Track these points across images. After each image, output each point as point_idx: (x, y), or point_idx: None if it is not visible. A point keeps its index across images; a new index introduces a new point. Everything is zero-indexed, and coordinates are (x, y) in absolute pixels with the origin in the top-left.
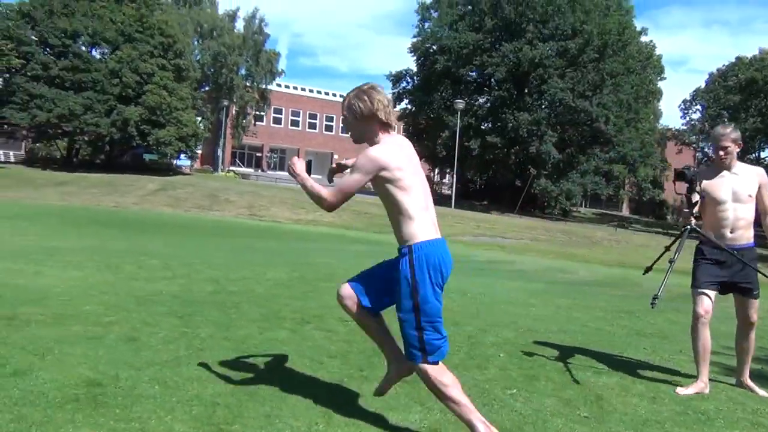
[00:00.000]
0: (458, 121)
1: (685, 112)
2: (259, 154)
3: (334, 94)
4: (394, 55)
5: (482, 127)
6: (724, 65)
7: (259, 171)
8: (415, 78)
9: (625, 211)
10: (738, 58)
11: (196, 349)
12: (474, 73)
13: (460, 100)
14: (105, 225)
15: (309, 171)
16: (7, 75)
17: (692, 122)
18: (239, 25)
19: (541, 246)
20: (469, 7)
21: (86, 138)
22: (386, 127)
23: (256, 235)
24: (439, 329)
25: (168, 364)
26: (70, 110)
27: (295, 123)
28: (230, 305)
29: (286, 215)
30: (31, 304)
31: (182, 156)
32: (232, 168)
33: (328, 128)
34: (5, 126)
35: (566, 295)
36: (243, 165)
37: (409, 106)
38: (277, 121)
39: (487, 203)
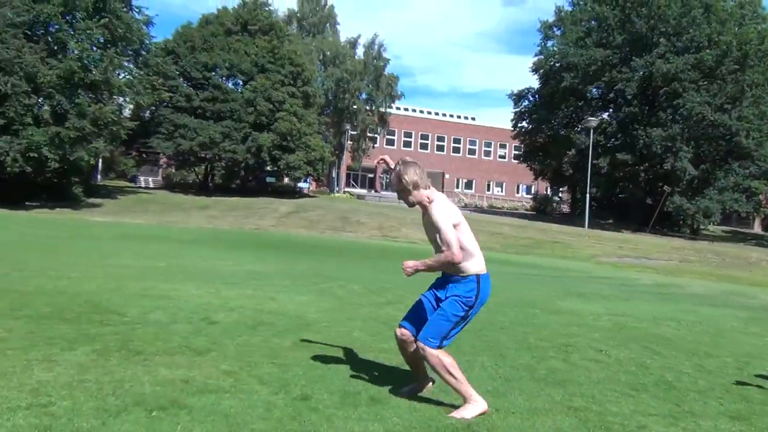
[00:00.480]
0: (590, 138)
1: None
2: (371, 175)
3: (445, 114)
4: (491, 72)
5: (609, 145)
6: None
7: (372, 192)
8: (536, 96)
9: (757, 228)
10: None
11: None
12: (598, 90)
13: (593, 118)
14: (270, 247)
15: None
16: (154, 107)
17: None
18: (359, 51)
19: (694, 267)
20: (595, 23)
21: (223, 164)
22: (427, 188)
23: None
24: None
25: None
26: (211, 138)
27: (407, 144)
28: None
29: (418, 236)
30: (306, 330)
31: (304, 179)
32: (347, 189)
33: (440, 148)
34: (148, 154)
35: None
36: (357, 186)
37: (526, 125)
38: (390, 142)
39: (613, 221)
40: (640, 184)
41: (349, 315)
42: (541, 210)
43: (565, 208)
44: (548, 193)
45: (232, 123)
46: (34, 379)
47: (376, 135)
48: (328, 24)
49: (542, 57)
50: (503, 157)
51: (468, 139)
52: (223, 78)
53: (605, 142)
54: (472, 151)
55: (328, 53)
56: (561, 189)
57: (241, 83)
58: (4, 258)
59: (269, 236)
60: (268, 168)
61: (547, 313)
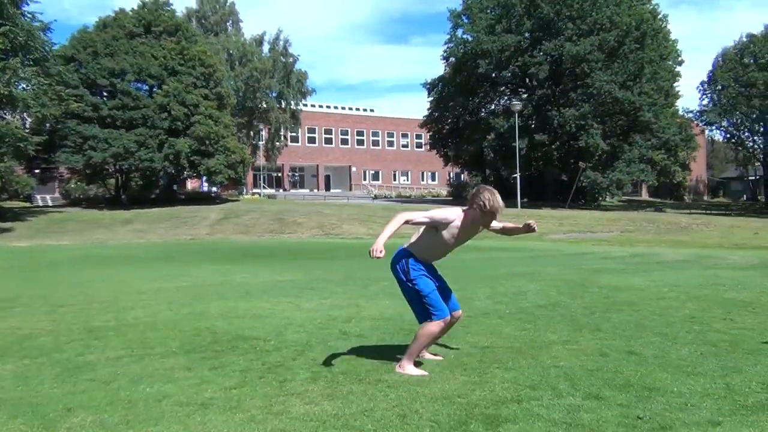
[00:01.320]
0: (516, 120)
1: (705, 92)
2: (277, 174)
3: (344, 108)
4: (370, 63)
5: (526, 127)
6: (735, 42)
7: (281, 191)
8: (449, 84)
9: (644, 196)
10: (751, 35)
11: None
12: (510, 74)
13: (517, 102)
14: (244, 256)
15: (328, 185)
16: (56, 120)
17: (713, 102)
18: (265, 48)
19: (639, 236)
20: (503, 10)
21: (139, 174)
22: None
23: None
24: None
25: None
26: (125, 148)
27: (311, 140)
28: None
29: (362, 231)
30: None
31: (204, 182)
32: (255, 190)
33: (344, 141)
34: (45, 170)
35: None
36: (265, 186)
37: (444, 112)
38: (294, 139)
39: (528, 200)
40: (554, 162)
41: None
42: (459, 195)
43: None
44: (463, 178)
45: (147, 130)
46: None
47: (290, 133)
48: (230, 21)
49: (452, 45)
50: (406, 146)
51: (371, 130)
52: (132, 83)
53: (522, 124)
54: (375, 143)
55: (235, 52)
56: (475, 173)
57: (151, 88)
58: (21, 294)
59: (219, 244)
60: (189, 174)
61: (615, 291)
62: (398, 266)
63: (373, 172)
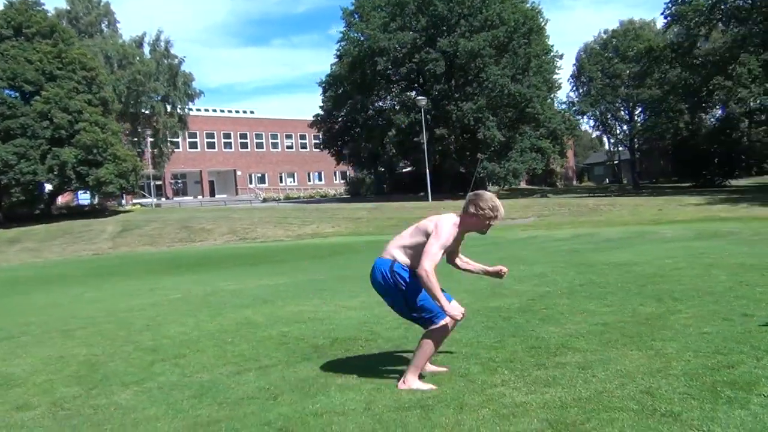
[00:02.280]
0: (423, 116)
1: (575, 85)
2: (158, 182)
3: (223, 110)
4: (230, 65)
5: (428, 121)
6: (594, 37)
7: (163, 199)
8: (345, 83)
9: (523, 184)
10: (610, 31)
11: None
12: (407, 71)
13: (422, 97)
14: (183, 267)
15: (213, 191)
16: None
17: (584, 93)
18: (146, 50)
19: (559, 219)
20: (394, 8)
21: (20, 188)
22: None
23: (317, 254)
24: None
25: None
26: (4, 161)
27: (193, 145)
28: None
29: (279, 233)
30: (510, 321)
31: (80, 194)
32: (136, 200)
33: (227, 145)
34: None
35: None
36: (145, 196)
37: (333, 112)
38: (174, 144)
39: (423, 194)
40: (452, 155)
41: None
42: (357, 192)
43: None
44: (359, 175)
45: (27, 140)
46: None
47: (178, 139)
48: (105, 22)
49: (346, 44)
50: (291, 147)
51: (254, 132)
52: (5, 90)
53: (422, 118)
54: (259, 145)
55: (114, 54)
56: (371, 170)
57: (27, 95)
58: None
59: (136, 257)
60: (76, 186)
61: (625, 267)
62: (380, 275)
63: (259, 175)
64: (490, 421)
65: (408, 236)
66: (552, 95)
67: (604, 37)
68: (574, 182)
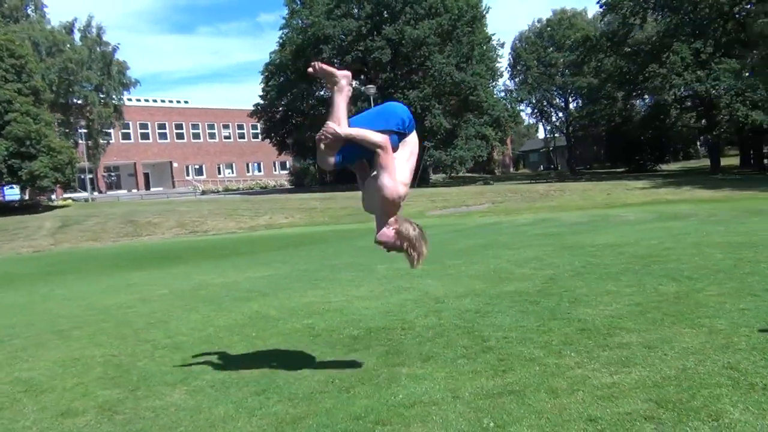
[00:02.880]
0: (371, 105)
1: (512, 73)
2: (90, 176)
3: (156, 100)
4: (154, 53)
5: None
6: (529, 26)
7: (96, 193)
8: (287, 71)
9: (462, 171)
10: (545, 19)
11: None
12: (351, 59)
13: (371, 86)
14: (144, 262)
15: (148, 184)
16: None
17: (521, 81)
18: (77, 37)
19: (514, 205)
20: None
21: None
22: None
23: (285, 242)
24: None
25: None
26: None
27: (126, 136)
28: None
29: (231, 225)
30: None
31: (5, 189)
32: (67, 195)
33: (162, 136)
34: None
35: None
36: (78, 190)
37: (275, 101)
38: (109, 136)
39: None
40: None
41: (500, 286)
42: (301, 183)
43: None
44: (302, 165)
45: None
46: None
47: (112, 130)
48: (31, 6)
49: (288, 31)
50: (228, 137)
51: (190, 123)
52: None
53: (368, 107)
54: (196, 135)
55: (42, 41)
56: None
57: None
58: None
59: (85, 254)
60: (7, 181)
61: (617, 248)
62: None
63: (197, 166)
64: (593, 404)
65: None
66: (494, 83)
67: (539, 26)
68: (511, 169)
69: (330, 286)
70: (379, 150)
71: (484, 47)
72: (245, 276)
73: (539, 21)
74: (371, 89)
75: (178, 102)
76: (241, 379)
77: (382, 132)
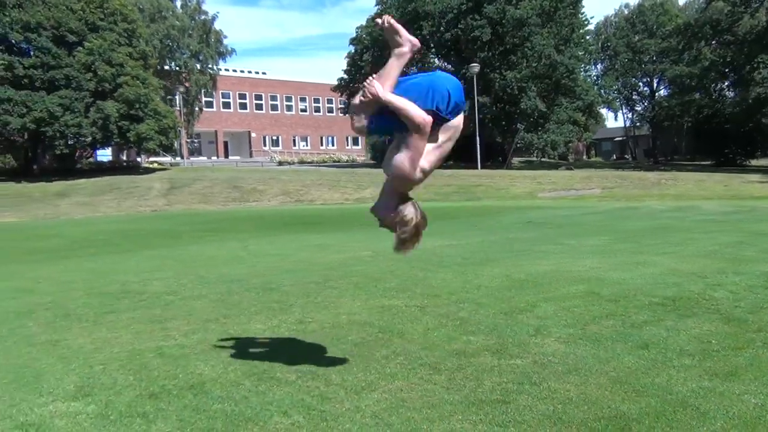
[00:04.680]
0: (474, 84)
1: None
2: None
3: (235, 70)
4: (222, 25)
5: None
6: (615, 11)
7: (177, 158)
8: (383, 48)
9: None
10: (637, 5)
11: None
12: (450, 36)
13: (475, 64)
14: (290, 226)
15: (227, 152)
16: None
17: (607, 67)
18: (178, 4)
19: (626, 192)
20: None
21: (63, 142)
22: None
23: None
24: None
25: None
26: (50, 112)
27: (208, 104)
28: None
29: (336, 196)
30: None
31: (98, 151)
32: (152, 158)
33: (243, 106)
34: None
35: None
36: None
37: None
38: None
39: (452, 162)
40: (488, 124)
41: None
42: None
43: None
44: (384, 141)
45: (71, 92)
46: None
47: (210, 98)
48: None
49: (382, 7)
50: (305, 110)
51: (269, 94)
52: (50, 40)
53: (466, 86)
54: (274, 107)
55: (148, 8)
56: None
57: (70, 45)
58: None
59: (213, 215)
60: (116, 141)
61: None
62: None
63: (274, 137)
64: None
65: None
66: (587, 68)
67: (625, 12)
68: (584, 157)
69: (550, 257)
70: (414, 133)
71: (581, 30)
72: (437, 244)
73: (626, 6)
74: (475, 68)
75: (257, 73)
76: (618, 334)
77: (427, 111)
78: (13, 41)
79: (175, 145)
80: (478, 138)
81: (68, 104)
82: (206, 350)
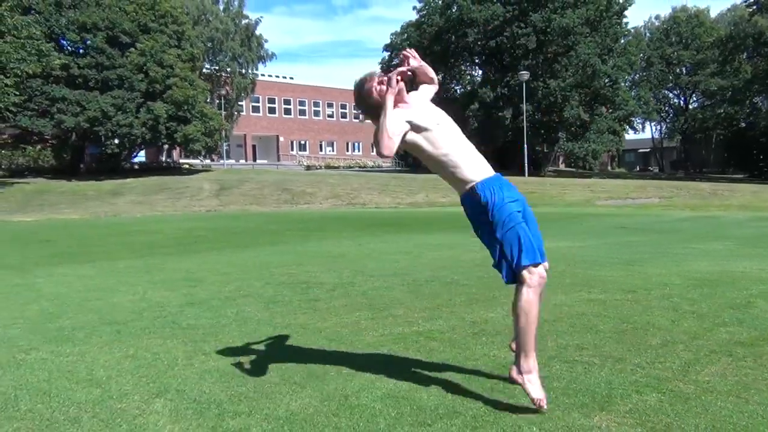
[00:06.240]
0: (524, 91)
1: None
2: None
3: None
4: None
5: (512, 97)
6: (645, 22)
7: (207, 161)
8: (425, 53)
9: (561, 165)
10: (668, 16)
11: None
12: (495, 44)
13: (525, 72)
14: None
15: (255, 156)
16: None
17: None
18: (221, 8)
19: (686, 201)
20: None
21: (116, 141)
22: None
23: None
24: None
25: None
26: (103, 112)
27: (238, 107)
28: None
29: (387, 200)
30: None
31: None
32: (183, 160)
33: (271, 110)
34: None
35: None
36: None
37: None
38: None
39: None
40: (528, 133)
41: None
42: (419, 164)
43: None
44: None
45: (124, 93)
46: None
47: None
48: None
49: (425, 13)
50: (332, 116)
51: (297, 99)
52: (104, 41)
53: (509, 94)
54: (302, 112)
55: (193, 11)
56: None
57: (123, 46)
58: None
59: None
60: (163, 142)
61: None
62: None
63: (302, 142)
64: None
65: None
66: (629, 78)
67: (656, 23)
68: (609, 167)
69: (700, 259)
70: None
71: (624, 41)
72: (560, 245)
73: (657, 18)
74: (524, 75)
75: (284, 77)
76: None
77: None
78: (70, 40)
79: (219, 147)
80: (525, 146)
81: (120, 104)
82: (473, 334)
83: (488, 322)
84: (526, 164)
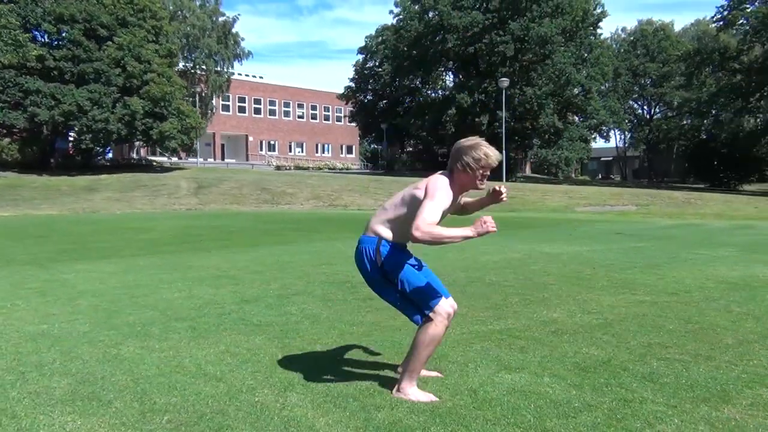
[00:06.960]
0: (503, 97)
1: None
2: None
3: (239, 74)
4: None
5: (488, 104)
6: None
7: (174, 158)
8: (401, 59)
9: (528, 172)
10: (639, 29)
11: None
12: (473, 51)
13: (505, 79)
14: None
15: (223, 155)
16: None
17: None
18: (197, 4)
19: (662, 209)
20: None
21: (90, 136)
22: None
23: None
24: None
25: None
26: (79, 106)
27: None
28: None
29: (369, 202)
30: None
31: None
32: (153, 158)
33: (241, 109)
34: None
35: None
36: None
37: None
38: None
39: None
40: (497, 138)
41: None
42: (389, 167)
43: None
44: (388, 151)
45: (101, 87)
46: None
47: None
48: None
49: (402, 18)
50: (302, 117)
51: (268, 99)
52: (81, 33)
53: (485, 100)
54: (272, 112)
55: (171, 6)
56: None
57: (101, 39)
58: None
59: (273, 216)
60: (139, 139)
61: None
62: (365, 256)
63: (271, 142)
64: None
65: (393, 208)
66: (601, 87)
67: (623, 35)
68: (572, 174)
69: (716, 263)
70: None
71: (599, 51)
72: (573, 249)
73: (623, 30)
74: (504, 82)
75: (254, 77)
76: None
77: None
78: (45, 31)
79: (195, 145)
80: (504, 152)
81: (97, 99)
82: (552, 332)
83: (557, 322)
84: (504, 170)
